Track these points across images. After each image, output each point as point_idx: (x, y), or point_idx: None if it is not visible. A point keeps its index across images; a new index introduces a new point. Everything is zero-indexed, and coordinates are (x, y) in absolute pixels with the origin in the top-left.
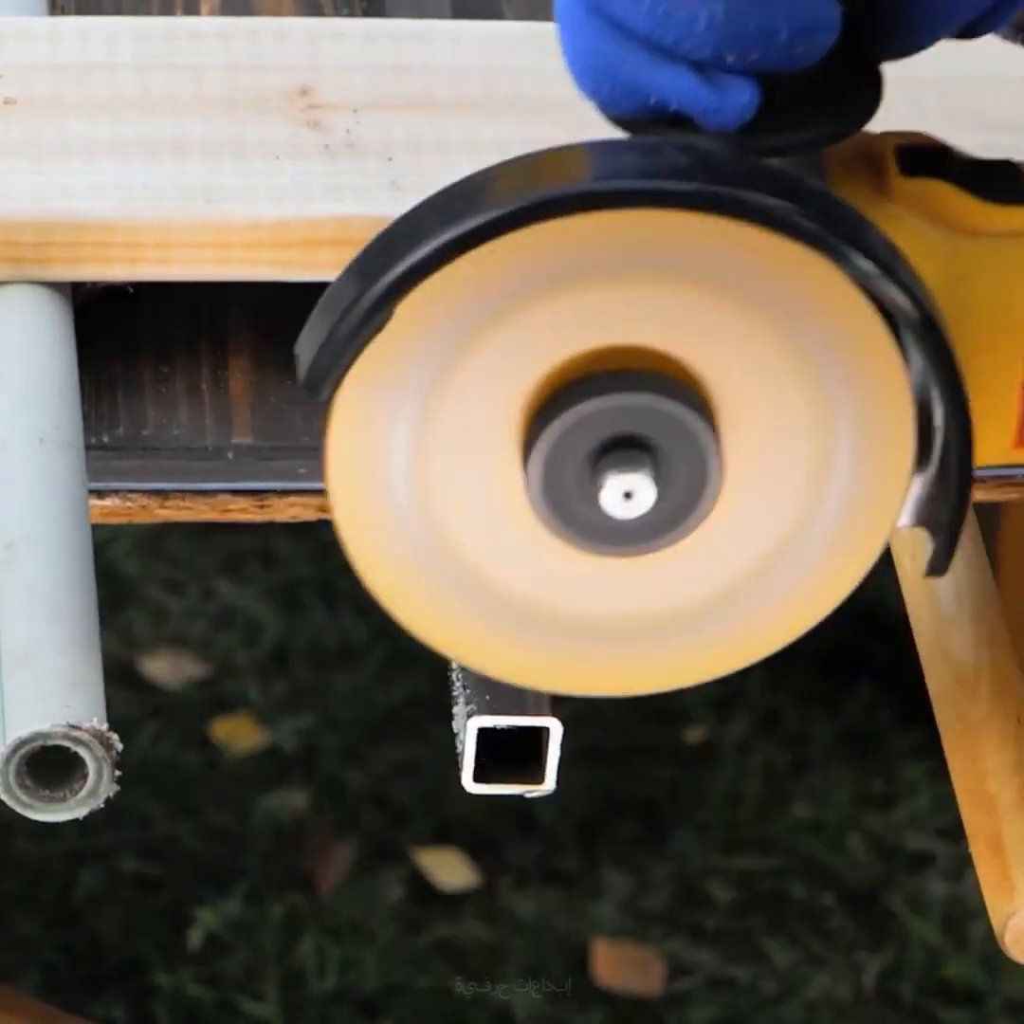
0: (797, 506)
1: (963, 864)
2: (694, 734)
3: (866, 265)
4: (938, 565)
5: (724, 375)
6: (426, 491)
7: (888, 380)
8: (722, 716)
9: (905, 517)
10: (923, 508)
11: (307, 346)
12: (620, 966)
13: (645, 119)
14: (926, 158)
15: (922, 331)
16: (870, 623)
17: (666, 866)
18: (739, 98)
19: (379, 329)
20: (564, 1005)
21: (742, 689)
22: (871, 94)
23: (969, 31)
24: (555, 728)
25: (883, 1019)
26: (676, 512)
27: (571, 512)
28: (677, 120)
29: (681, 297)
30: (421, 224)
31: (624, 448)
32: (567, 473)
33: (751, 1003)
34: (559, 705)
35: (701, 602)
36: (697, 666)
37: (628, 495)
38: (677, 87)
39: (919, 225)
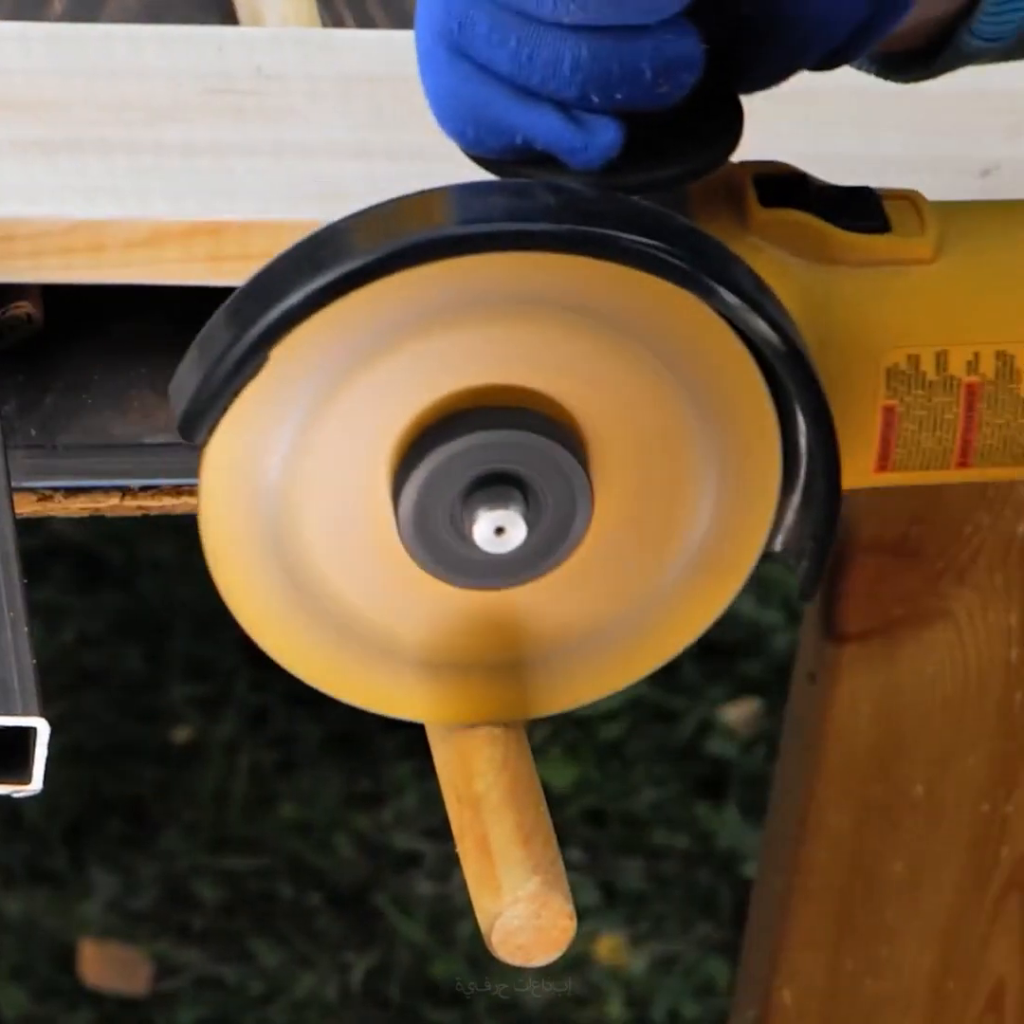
0: (666, 534)
1: (450, 863)
2: (182, 734)
3: (733, 300)
4: (806, 591)
5: (594, 409)
6: (297, 531)
7: (755, 410)
8: (210, 716)
9: (775, 543)
10: (788, 534)
11: (182, 390)
12: (107, 966)
13: (509, 160)
14: (784, 187)
15: (789, 362)
16: None
17: (154, 866)
18: (604, 137)
19: (254, 373)
20: (51, 1005)
21: (229, 689)
22: (732, 127)
23: (827, 62)
24: (42, 728)
25: (370, 1019)
26: (547, 545)
27: (441, 548)
28: (542, 160)
29: (550, 334)
30: (293, 269)
31: (495, 484)
32: (438, 510)
33: (238, 1003)
34: (46, 705)
35: (568, 632)
36: (564, 695)
37: (499, 530)
38: (542, 127)
39: (779, 255)
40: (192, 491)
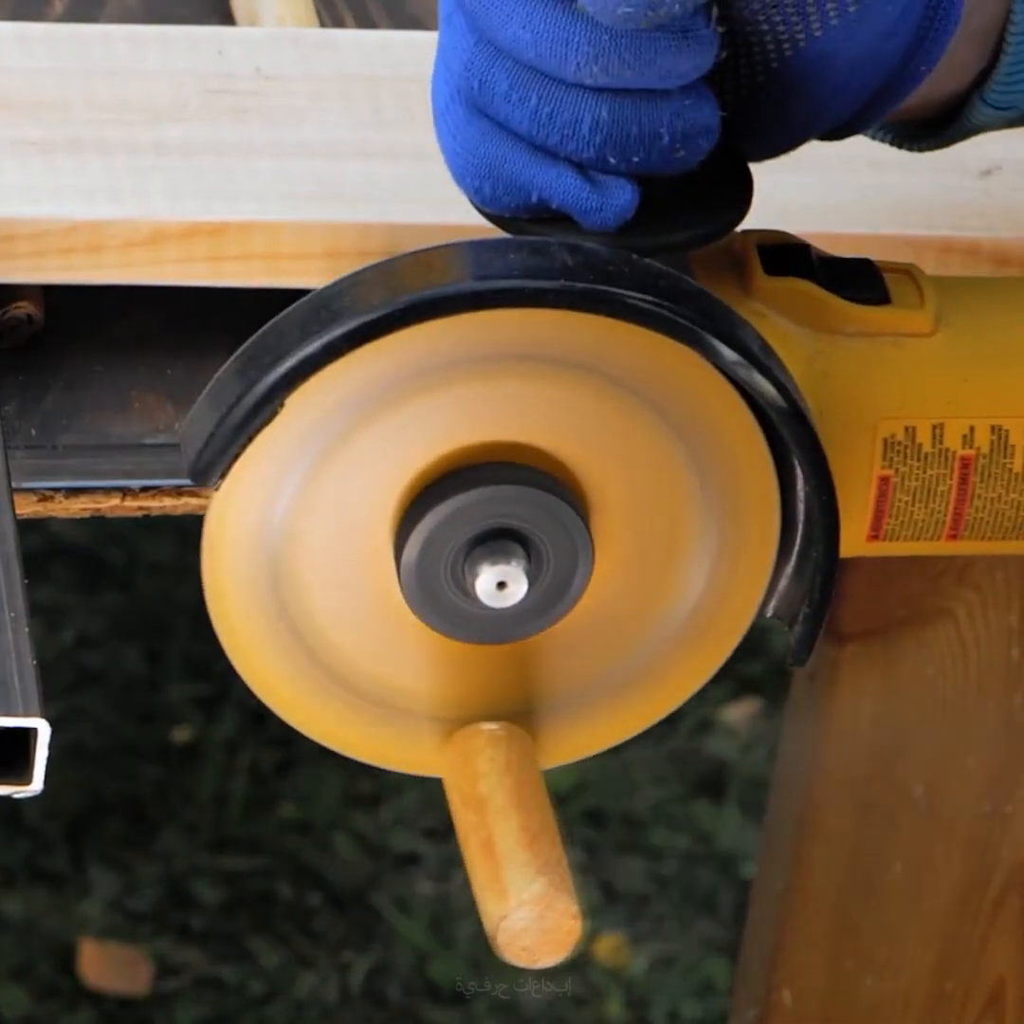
0: (661, 593)
1: (449, 864)
2: (181, 734)
3: (740, 361)
4: (800, 656)
5: (597, 467)
6: (299, 583)
7: (756, 474)
8: (209, 715)
9: (767, 608)
10: (780, 600)
11: (194, 436)
12: (107, 966)
13: (523, 217)
14: (787, 256)
15: (792, 423)
16: None
17: (154, 866)
18: (620, 198)
19: (269, 419)
20: (51, 1005)
21: (228, 689)
22: (742, 194)
23: (838, 133)
24: (43, 729)
25: (370, 1019)
26: (548, 600)
27: (443, 601)
28: (556, 218)
29: (556, 392)
30: (309, 319)
31: (497, 539)
32: (440, 564)
33: (238, 1003)
34: (46, 705)
35: (562, 688)
36: (558, 749)
37: (501, 585)
38: (559, 186)
39: (781, 323)
40: (193, 492)
